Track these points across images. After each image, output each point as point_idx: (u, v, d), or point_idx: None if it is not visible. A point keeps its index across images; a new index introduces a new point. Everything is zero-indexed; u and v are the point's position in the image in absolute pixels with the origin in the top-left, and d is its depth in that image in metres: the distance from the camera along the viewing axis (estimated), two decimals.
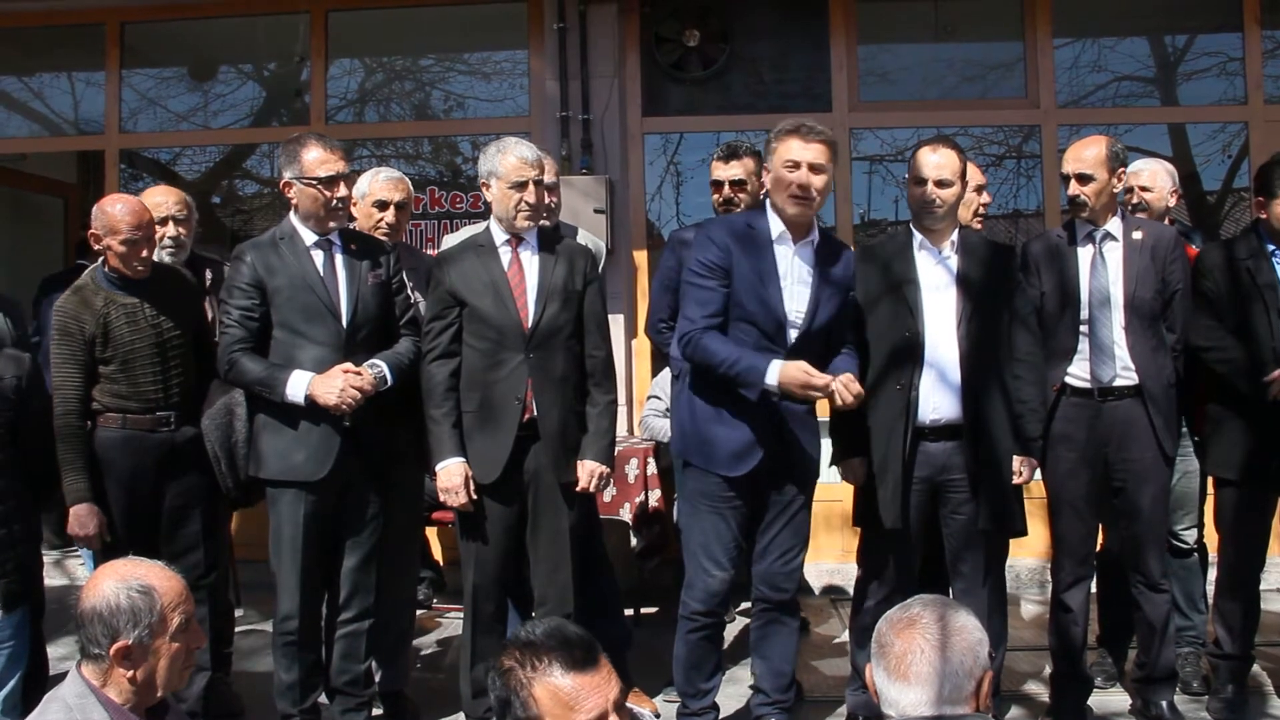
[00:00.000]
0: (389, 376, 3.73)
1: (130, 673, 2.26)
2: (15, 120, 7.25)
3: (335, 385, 3.61)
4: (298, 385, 3.63)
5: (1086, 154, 3.91)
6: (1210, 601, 4.18)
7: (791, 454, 3.70)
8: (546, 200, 4.19)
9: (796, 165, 3.60)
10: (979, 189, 4.42)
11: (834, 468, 3.96)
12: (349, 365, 3.65)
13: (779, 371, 3.48)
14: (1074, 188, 3.91)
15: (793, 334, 3.63)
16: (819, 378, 3.47)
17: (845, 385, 3.49)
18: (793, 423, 3.69)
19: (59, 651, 4.79)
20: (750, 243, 3.66)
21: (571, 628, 2.03)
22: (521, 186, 3.72)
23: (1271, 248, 3.94)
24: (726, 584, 3.72)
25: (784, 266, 3.66)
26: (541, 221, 4.02)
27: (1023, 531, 3.85)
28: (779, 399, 3.60)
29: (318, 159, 3.74)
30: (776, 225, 3.68)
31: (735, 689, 4.33)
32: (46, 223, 8.07)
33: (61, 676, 2.33)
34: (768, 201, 3.75)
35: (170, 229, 4.30)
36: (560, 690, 1.92)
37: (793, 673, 3.84)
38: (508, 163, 3.72)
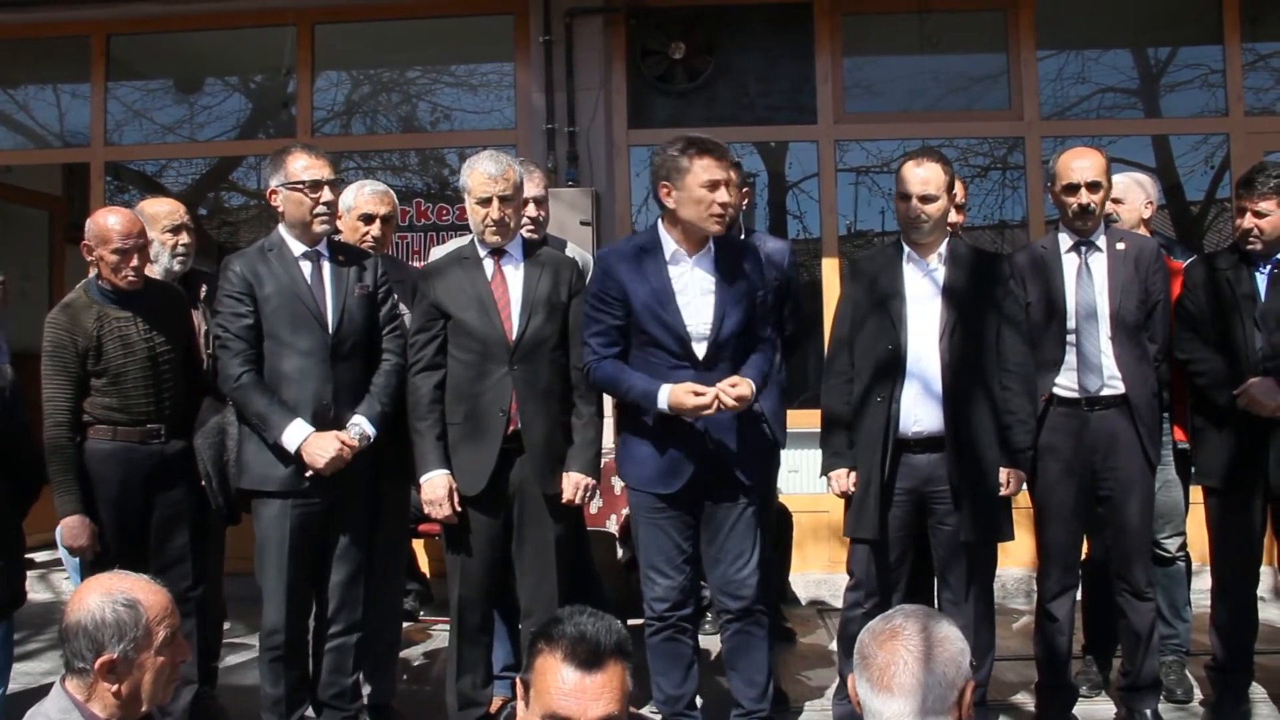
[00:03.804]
0: (372, 434, 3.75)
1: (115, 687, 2.25)
2: (0, 132, 7.24)
3: (329, 449, 3.63)
4: (293, 437, 3.63)
5: (1091, 162, 3.92)
6: (1209, 614, 4.18)
7: (726, 464, 3.69)
8: (534, 213, 4.20)
9: (716, 185, 3.60)
10: (956, 207, 4.41)
11: (823, 478, 3.98)
12: (343, 435, 3.67)
13: (668, 396, 3.57)
14: (1085, 196, 3.89)
15: (701, 348, 3.65)
16: (706, 395, 3.52)
17: (725, 391, 3.53)
18: (722, 434, 3.68)
19: (43, 666, 4.77)
20: (643, 266, 3.68)
21: (605, 630, 2.05)
22: (486, 203, 3.72)
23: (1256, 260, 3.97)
24: (672, 589, 3.72)
25: (681, 283, 3.68)
26: (529, 234, 4.03)
27: (1008, 536, 3.86)
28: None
29: (303, 165, 3.76)
30: (670, 244, 3.69)
31: (719, 699, 4.33)
32: (31, 236, 8.04)
33: (43, 691, 2.32)
34: (659, 221, 3.75)
35: (184, 237, 4.28)
36: (549, 672, 2.02)
37: (767, 681, 3.81)
38: (473, 179, 3.74)
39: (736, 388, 3.54)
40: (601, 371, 3.69)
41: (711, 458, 3.68)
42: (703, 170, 3.59)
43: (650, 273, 3.67)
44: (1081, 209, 3.92)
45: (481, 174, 3.72)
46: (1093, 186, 3.90)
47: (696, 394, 3.53)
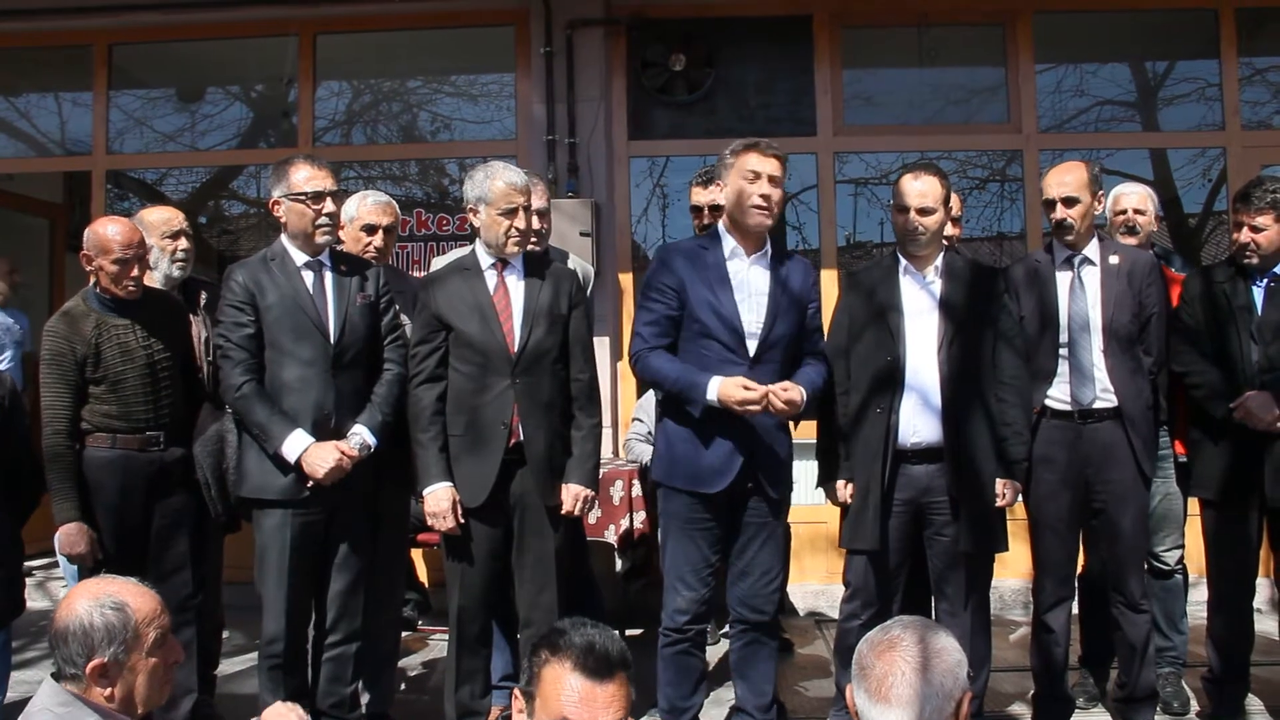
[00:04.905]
0: (373, 444, 3.76)
1: (108, 690, 2.27)
2: (1, 140, 7.25)
3: (329, 460, 3.64)
4: (294, 447, 3.65)
5: (1071, 178, 3.96)
6: (1205, 626, 4.20)
7: (765, 471, 3.75)
8: (537, 225, 4.21)
9: (757, 176, 3.68)
10: (953, 220, 4.43)
11: (819, 489, 4.00)
12: (343, 445, 3.68)
13: (718, 387, 3.60)
14: (1060, 211, 3.94)
15: (752, 344, 3.70)
16: (755, 390, 3.56)
17: (776, 394, 3.59)
18: (766, 438, 3.73)
19: (41, 675, 4.76)
20: (701, 259, 3.77)
21: (611, 641, 2.10)
22: (511, 214, 3.73)
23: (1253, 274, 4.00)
24: (695, 602, 3.77)
25: (738, 279, 3.75)
26: (531, 246, 4.05)
27: (1004, 547, 3.87)
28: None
29: (306, 176, 3.79)
30: (729, 243, 3.78)
31: (719, 711, 4.34)
32: (32, 243, 8.06)
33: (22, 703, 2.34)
34: (720, 224, 3.84)
35: (183, 243, 4.31)
36: (559, 682, 2.04)
37: (774, 692, 3.86)
38: (496, 189, 3.73)
39: (788, 392, 3.60)
40: (650, 360, 3.74)
41: (755, 462, 3.71)
42: (744, 164, 3.69)
43: (708, 265, 3.75)
44: (1058, 224, 3.96)
45: (506, 185, 3.73)
46: (1069, 202, 3.93)
47: (747, 388, 3.57)
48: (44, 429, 3.85)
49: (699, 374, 3.66)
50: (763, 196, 3.69)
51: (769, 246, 3.80)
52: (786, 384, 3.63)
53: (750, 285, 3.75)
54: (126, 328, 3.90)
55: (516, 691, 2.15)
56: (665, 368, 3.72)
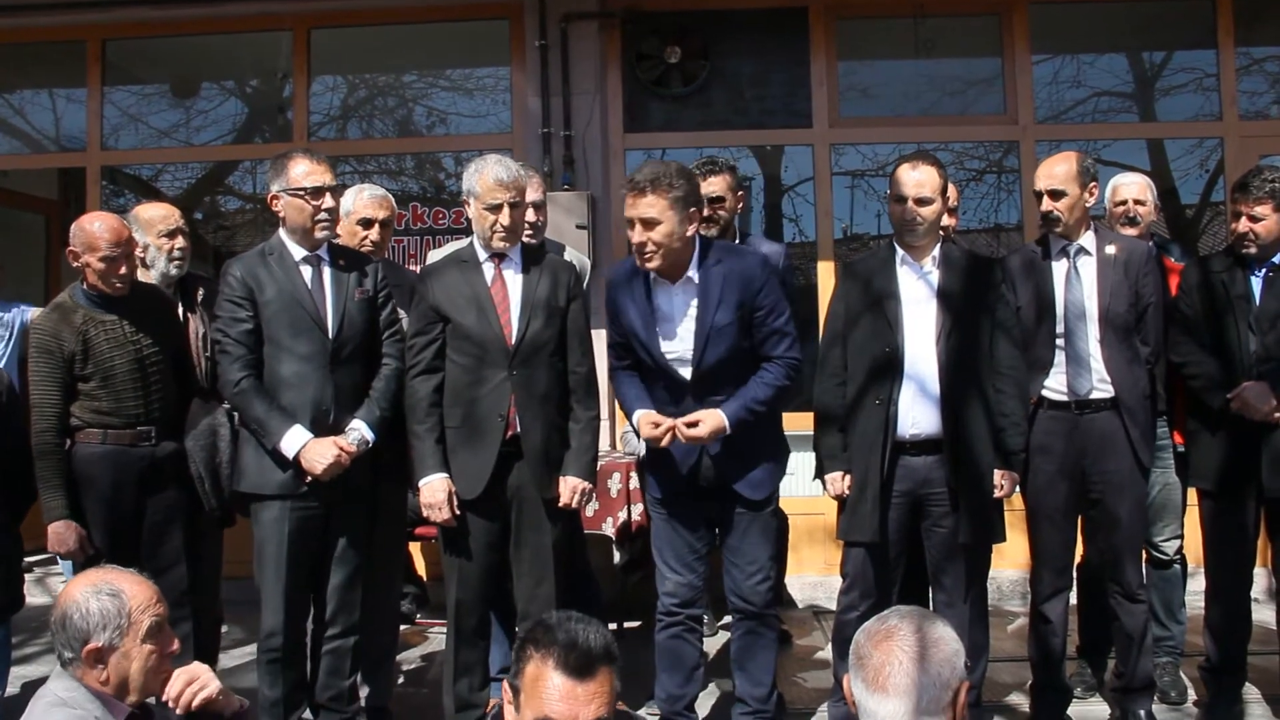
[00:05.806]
0: (371, 439, 3.76)
1: (103, 674, 2.32)
2: None
3: (328, 456, 3.63)
4: (292, 443, 3.64)
5: (1057, 170, 3.97)
6: (1203, 616, 4.20)
7: (728, 473, 3.72)
8: (533, 218, 4.20)
9: (631, 225, 3.63)
10: (949, 210, 4.43)
11: (816, 481, 3.99)
12: (341, 440, 3.68)
13: (637, 422, 3.71)
14: (1046, 203, 3.96)
15: (686, 371, 3.69)
16: (660, 427, 3.62)
17: (680, 429, 3.61)
18: (720, 451, 3.70)
19: (41, 669, 4.77)
20: (632, 288, 3.75)
21: (594, 635, 2.09)
22: (496, 209, 3.72)
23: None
24: (682, 585, 3.79)
25: (665, 310, 3.72)
26: (527, 239, 4.04)
27: (1001, 538, 3.87)
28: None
29: (305, 171, 3.77)
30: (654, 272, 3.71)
31: (719, 701, 4.35)
32: (27, 240, 8.04)
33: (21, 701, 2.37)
34: None
35: (180, 241, 4.30)
36: (540, 678, 2.06)
37: (772, 683, 3.86)
38: (483, 184, 3.72)
39: (694, 427, 3.60)
40: (615, 382, 3.84)
41: (709, 471, 3.73)
42: (625, 209, 3.65)
43: (637, 296, 3.74)
44: (1044, 216, 3.97)
45: (491, 180, 3.72)
46: (1055, 195, 3.94)
47: (656, 424, 3.63)
48: (32, 425, 3.85)
49: (635, 401, 3.76)
50: (638, 244, 3.62)
51: (694, 271, 3.68)
52: (696, 416, 3.61)
53: (678, 314, 3.71)
54: (114, 323, 3.88)
55: (506, 684, 2.17)
56: (622, 392, 3.84)
